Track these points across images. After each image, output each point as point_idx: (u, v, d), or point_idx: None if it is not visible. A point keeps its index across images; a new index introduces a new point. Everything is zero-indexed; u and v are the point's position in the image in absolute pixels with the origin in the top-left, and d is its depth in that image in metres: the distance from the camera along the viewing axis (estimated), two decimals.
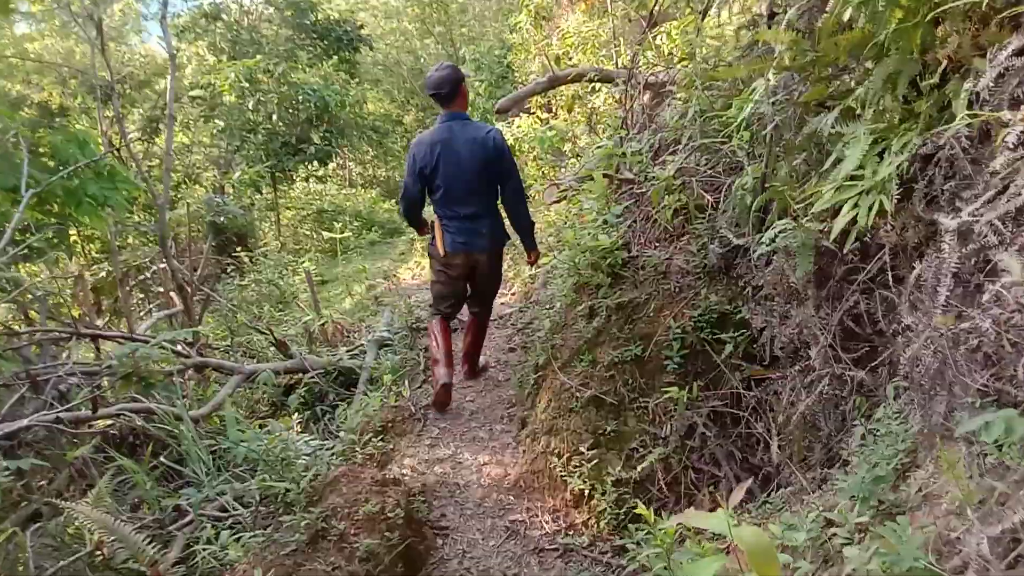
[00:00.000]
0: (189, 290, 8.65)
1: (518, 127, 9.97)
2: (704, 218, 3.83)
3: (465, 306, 4.55)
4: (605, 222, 4.02)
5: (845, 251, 2.57)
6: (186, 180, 14.97)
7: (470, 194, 4.02)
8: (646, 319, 3.55)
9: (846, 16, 2.50)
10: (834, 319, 2.68)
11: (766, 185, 3.45)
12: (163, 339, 4.33)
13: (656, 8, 4.92)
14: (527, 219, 4.25)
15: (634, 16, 8.17)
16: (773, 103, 2.85)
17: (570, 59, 7.73)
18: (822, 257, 2.72)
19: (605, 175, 4.68)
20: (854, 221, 2.46)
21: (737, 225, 3.59)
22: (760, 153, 3.47)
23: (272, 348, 6.07)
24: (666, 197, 3.96)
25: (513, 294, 6.16)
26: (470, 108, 12.61)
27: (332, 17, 14.32)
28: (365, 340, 5.79)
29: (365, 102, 21.88)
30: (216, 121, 13.34)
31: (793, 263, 2.87)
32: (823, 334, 2.70)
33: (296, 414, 4.13)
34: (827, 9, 2.50)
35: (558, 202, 5.91)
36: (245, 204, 15.59)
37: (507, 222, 4.30)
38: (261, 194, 14.03)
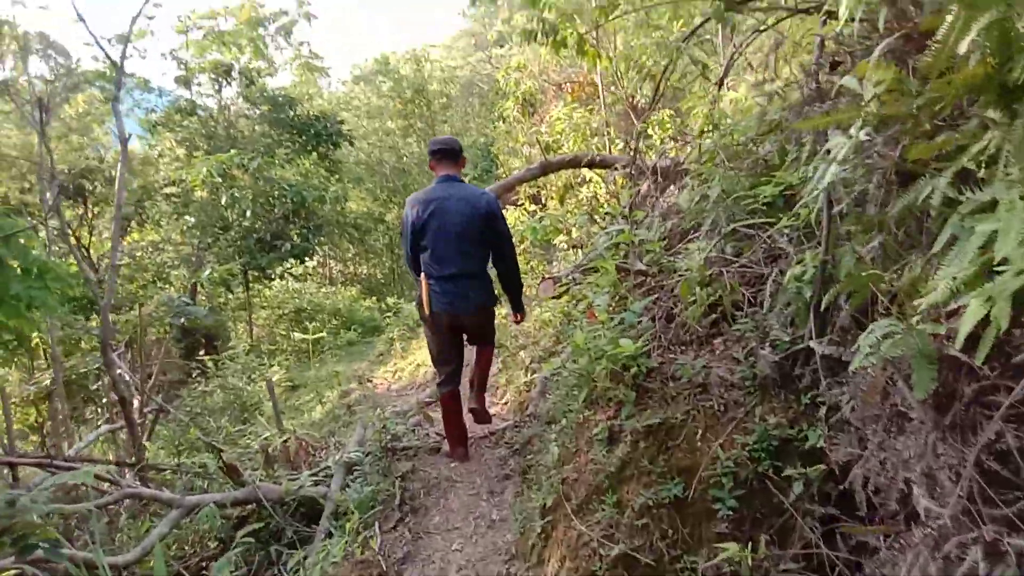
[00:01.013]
0: (138, 401, 7.75)
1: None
2: (744, 316, 3.12)
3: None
4: (622, 321, 3.28)
5: (978, 363, 1.84)
6: (155, 279, 14.20)
7: (457, 254, 3.96)
8: (685, 447, 2.76)
9: (963, 47, 1.87)
10: (969, 457, 1.91)
11: (828, 275, 2.77)
12: (78, 474, 3.47)
13: (663, 84, 4.37)
14: (518, 281, 4.28)
15: (622, 108, 7.76)
16: (859, 166, 2.18)
17: (560, 148, 7.21)
18: (942, 370, 1.99)
19: (616, 267, 4.00)
20: (986, 322, 1.75)
21: (792, 325, 2.88)
22: (819, 236, 2.80)
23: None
24: (697, 291, 3.26)
25: (505, 403, 5.35)
26: None
27: (311, 113, 13.98)
28: (332, 462, 4.91)
29: (347, 200, 21.54)
30: (187, 217, 12.71)
31: (897, 376, 2.13)
32: (955, 479, 1.93)
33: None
34: (936, 40, 1.87)
35: (557, 297, 5.21)
36: (216, 303, 14.81)
37: (496, 284, 4.34)
38: (232, 293, 13.28)
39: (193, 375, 11.21)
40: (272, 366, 9.58)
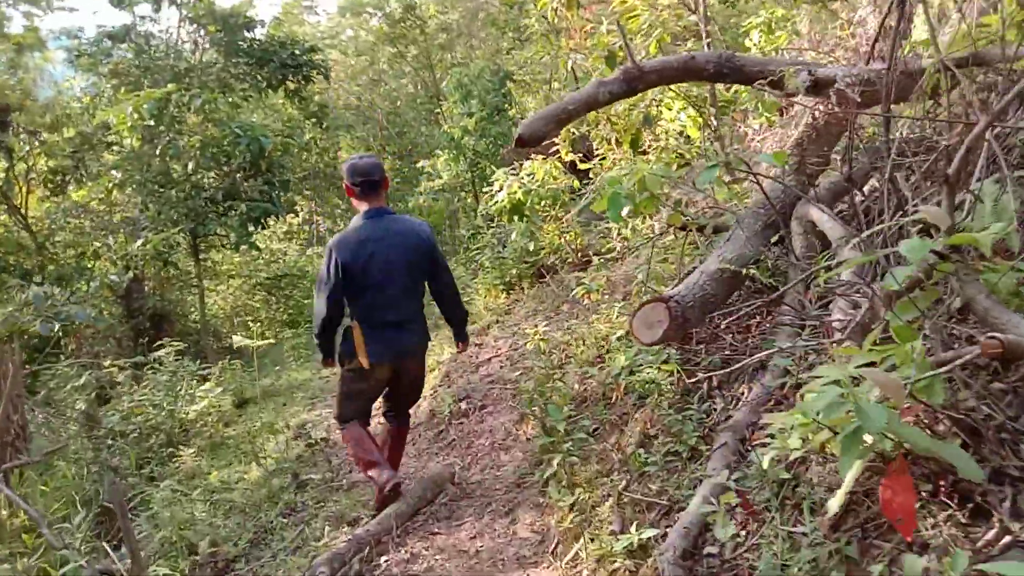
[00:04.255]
0: None
1: (528, 173, 6.55)
2: None
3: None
4: None
5: None
6: (86, 253, 11.31)
7: (402, 297, 3.56)
8: None
9: None
10: None
11: None
12: None
13: None
14: (463, 311, 3.91)
15: None
16: None
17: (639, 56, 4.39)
18: None
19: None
20: None
21: None
22: None
23: None
24: None
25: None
26: (455, 152, 9.31)
27: (275, 38, 10.98)
28: None
29: (338, 149, 18.68)
30: (113, 173, 9.91)
31: None
32: None
33: None
34: None
35: (669, 338, 2.48)
36: (163, 278, 12.07)
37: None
38: (175, 268, 10.56)
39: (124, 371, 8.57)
40: (205, 380, 6.89)
